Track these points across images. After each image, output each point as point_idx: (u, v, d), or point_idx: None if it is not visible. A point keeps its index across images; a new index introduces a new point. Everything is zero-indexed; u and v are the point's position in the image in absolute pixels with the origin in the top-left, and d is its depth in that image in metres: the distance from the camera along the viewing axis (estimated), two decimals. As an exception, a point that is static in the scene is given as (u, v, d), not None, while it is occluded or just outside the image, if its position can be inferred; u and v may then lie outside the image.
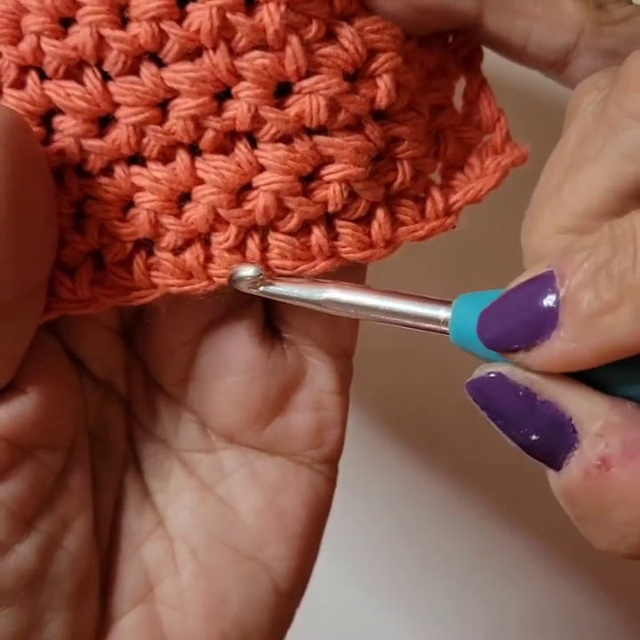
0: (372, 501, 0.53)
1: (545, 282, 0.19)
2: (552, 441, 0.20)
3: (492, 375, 0.21)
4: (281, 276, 0.25)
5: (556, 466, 0.20)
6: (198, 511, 0.28)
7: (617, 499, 0.19)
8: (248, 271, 0.24)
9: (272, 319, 0.28)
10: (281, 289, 0.24)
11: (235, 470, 0.28)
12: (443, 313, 0.22)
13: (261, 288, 0.24)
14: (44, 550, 0.25)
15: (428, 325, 0.23)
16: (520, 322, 0.20)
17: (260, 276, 0.24)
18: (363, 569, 0.54)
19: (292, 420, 0.28)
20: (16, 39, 0.23)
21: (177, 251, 0.25)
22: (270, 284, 0.24)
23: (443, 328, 0.22)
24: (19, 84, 0.23)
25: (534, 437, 0.20)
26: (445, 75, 0.26)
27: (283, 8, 0.22)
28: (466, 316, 0.22)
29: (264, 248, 0.25)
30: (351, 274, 0.26)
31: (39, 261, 0.23)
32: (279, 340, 0.27)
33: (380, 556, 0.55)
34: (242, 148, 0.24)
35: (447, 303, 0.22)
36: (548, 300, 0.19)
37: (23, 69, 0.23)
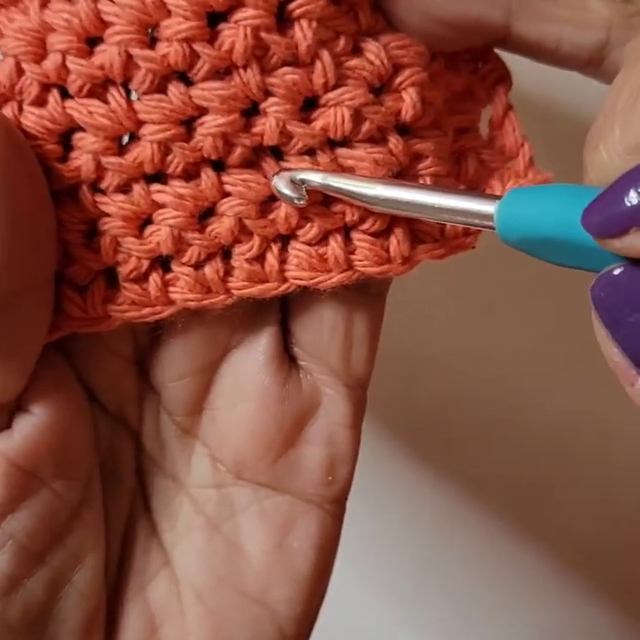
0: (380, 510, 0.52)
1: None
2: None
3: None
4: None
5: None
6: (205, 552, 0.27)
7: None
8: (289, 191, 0.24)
9: (289, 346, 0.27)
10: (335, 183, 0.24)
11: (243, 509, 0.27)
12: (491, 208, 0.22)
13: (321, 183, 0.24)
14: (52, 586, 0.24)
15: (475, 221, 0.22)
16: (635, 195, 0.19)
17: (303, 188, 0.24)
18: (370, 579, 0.53)
19: (305, 454, 0.27)
20: (39, 57, 0.23)
21: (197, 265, 0.25)
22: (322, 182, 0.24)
23: (489, 223, 0.22)
24: (40, 101, 0.23)
25: None
26: (472, 100, 0.27)
27: (315, 24, 0.23)
28: (514, 210, 0.21)
29: (282, 260, 0.25)
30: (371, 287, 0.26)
31: (36, 251, 0.22)
32: (295, 367, 0.27)
33: (387, 566, 0.53)
34: (268, 162, 0.24)
35: (497, 198, 0.22)
36: None
37: (45, 87, 0.23)
